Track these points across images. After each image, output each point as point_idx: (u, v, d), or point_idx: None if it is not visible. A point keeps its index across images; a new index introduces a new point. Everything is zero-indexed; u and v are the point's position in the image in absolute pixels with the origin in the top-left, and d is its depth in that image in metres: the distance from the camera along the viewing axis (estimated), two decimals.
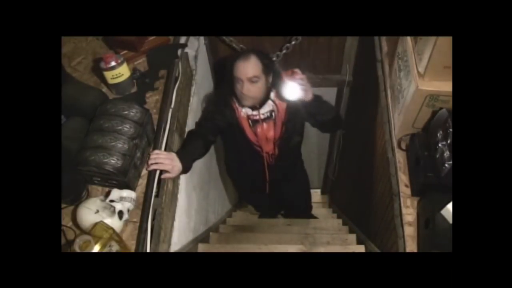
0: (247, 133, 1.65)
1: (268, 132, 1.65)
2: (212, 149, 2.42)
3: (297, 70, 1.47)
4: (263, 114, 1.61)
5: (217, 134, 1.65)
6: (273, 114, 1.61)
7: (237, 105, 1.60)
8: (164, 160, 1.31)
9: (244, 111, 1.60)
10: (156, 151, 1.32)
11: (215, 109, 1.64)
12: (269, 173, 1.84)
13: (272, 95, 1.58)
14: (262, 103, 1.58)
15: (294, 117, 1.63)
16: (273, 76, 1.55)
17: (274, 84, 1.56)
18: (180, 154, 1.40)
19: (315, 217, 2.90)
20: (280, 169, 1.85)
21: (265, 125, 1.63)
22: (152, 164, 1.29)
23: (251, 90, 1.49)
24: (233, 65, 1.49)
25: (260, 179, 1.90)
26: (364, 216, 2.14)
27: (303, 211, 2.78)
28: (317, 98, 1.51)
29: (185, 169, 1.41)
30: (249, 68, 1.46)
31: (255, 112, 1.60)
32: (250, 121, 1.62)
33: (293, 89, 1.44)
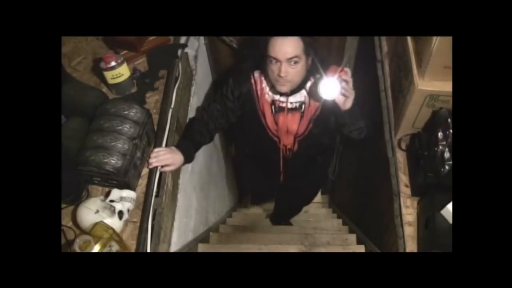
0: (267, 120, 1.44)
1: (291, 125, 1.44)
2: (212, 149, 2.43)
3: (347, 70, 1.20)
4: (291, 103, 1.39)
5: (221, 121, 1.47)
6: (303, 106, 1.39)
7: (263, 85, 1.40)
8: (164, 155, 1.30)
9: (270, 95, 1.40)
10: (156, 149, 1.32)
11: (232, 86, 1.43)
12: (283, 165, 1.65)
13: (309, 84, 1.36)
14: (294, 90, 1.36)
15: (327, 117, 1.38)
16: (313, 60, 1.31)
17: (313, 73, 1.33)
18: (180, 146, 1.37)
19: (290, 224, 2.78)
20: (297, 163, 1.64)
21: (290, 115, 1.41)
22: (152, 161, 1.29)
23: (289, 72, 1.25)
24: (267, 42, 1.24)
25: (273, 170, 1.70)
26: (364, 216, 2.14)
27: (289, 215, 2.64)
28: (354, 110, 1.25)
29: (187, 159, 1.37)
30: (289, 46, 1.21)
31: (282, 99, 1.38)
32: (273, 107, 1.41)
33: (332, 89, 1.17)
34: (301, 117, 1.41)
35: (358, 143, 1.37)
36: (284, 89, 1.32)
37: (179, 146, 1.37)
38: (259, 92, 1.41)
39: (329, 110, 1.34)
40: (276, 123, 1.45)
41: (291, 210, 2.54)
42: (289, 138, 1.50)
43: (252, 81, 1.41)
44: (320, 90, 1.19)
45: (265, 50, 1.25)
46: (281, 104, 1.40)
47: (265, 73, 1.35)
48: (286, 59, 1.22)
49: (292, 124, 1.44)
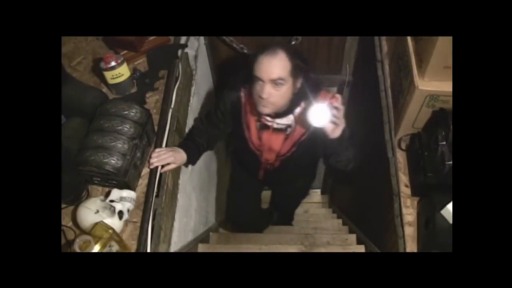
0: (251, 134, 1.42)
1: (274, 144, 1.41)
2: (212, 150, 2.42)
3: (338, 96, 1.15)
4: (277, 123, 1.35)
5: (216, 132, 1.52)
6: (289, 129, 1.35)
7: (252, 100, 1.33)
8: (165, 154, 1.32)
9: (258, 111, 1.33)
10: (157, 149, 1.32)
11: (225, 98, 1.41)
12: (264, 175, 1.63)
13: (298, 110, 1.31)
14: (282, 113, 1.30)
15: (313, 143, 1.35)
16: (304, 83, 1.26)
17: (303, 97, 1.28)
18: (182, 145, 1.41)
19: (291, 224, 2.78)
20: (277, 177, 1.63)
21: (274, 135, 1.38)
22: (154, 161, 1.30)
23: (272, 94, 1.20)
24: (255, 59, 1.19)
25: (254, 175, 1.69)
26: (364, 216, 2.14)
27: (285, 219, 2.68)
28: (343, 139, 1.20)
29: (190, 158, 1.40)
30: (274, 67, 1.16)
31: (269, 118, 1.34)
32: (259, 123, 1.38)
33: (321, 116, 1.13)
34: (285, 138, 1.38)
35: (344, 174, 1.34)
36: (266, 110, 1.26)
37: (181, 146, 1.40)
38: (247, 107, 1.37)
39: (316, 137, 1.29)
40: (260, 139, 1.42)
41: (284, 209, 2.54)
42: (271, 155, 1.47)
43: (242, 94, 1.37)
44: (309, 117, 1.14)
45: (252, 69, 1.20)
46: (266, 123, 1.36)
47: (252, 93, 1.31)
48: (269, 79, 1.17)
49: (276, 144, 1.41)
